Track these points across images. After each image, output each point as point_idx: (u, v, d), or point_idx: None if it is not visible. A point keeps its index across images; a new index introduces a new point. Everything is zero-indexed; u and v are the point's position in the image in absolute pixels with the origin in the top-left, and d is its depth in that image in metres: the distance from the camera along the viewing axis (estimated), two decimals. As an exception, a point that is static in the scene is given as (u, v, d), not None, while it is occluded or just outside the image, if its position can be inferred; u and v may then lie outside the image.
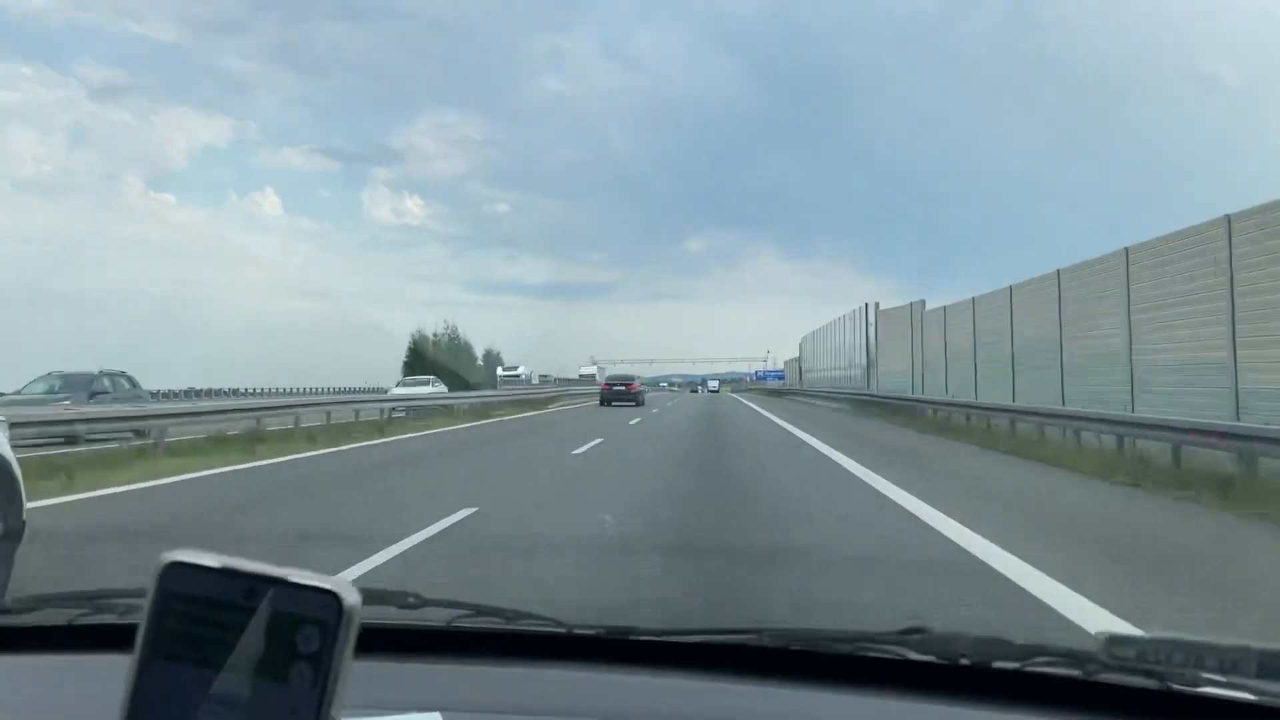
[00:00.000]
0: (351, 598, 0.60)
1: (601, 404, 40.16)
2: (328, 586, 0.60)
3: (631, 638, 1.40)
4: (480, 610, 1.43)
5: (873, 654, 1.31)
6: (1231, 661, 1.11)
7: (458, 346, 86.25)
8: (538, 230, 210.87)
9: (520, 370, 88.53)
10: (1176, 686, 1.15)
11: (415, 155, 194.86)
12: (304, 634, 0.59)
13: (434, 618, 1.42)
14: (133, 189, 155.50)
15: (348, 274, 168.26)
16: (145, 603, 0.61)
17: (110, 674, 1.17)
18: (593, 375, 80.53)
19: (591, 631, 1.41)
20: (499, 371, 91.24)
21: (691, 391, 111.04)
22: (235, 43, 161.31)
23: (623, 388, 42.52)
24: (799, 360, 75.52)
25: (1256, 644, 1.10)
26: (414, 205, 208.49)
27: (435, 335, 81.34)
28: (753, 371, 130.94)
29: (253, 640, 0.59)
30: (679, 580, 5.85)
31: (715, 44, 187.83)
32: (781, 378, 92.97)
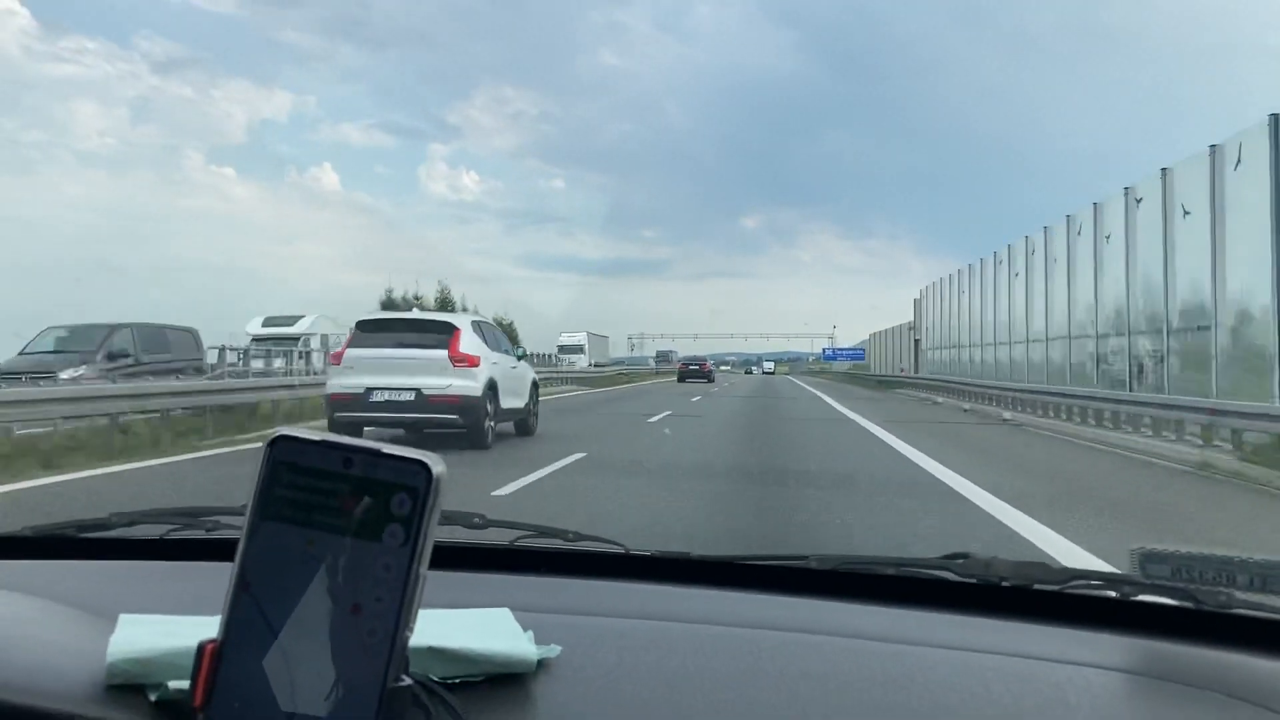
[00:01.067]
0: (438, 467, 0.66)
1: (680, 381, 48.59)
2: (417, 456, 0.66)
3: (687, 560, 1.46)
4: (542, 531, 1.51)
5: (916, 575, 1.37)
6: (1262, 578, 1.14)
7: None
8: (592, 206, 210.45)
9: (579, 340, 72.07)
10: (1209, 606, 1.18)
11: (472, 130, 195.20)
12: (397, 499, 0.65)
13: (498, 539, 1.49)
14: (193, 162, 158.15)
15: (403, 249, 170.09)
16: (256, 471, 0.67)
17: (200, 576, 1.26)
18: (580, 346, 63.60)
19: (649, 553, 1.47)
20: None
21: (746, 373, 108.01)
22: (294, 15, 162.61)
23: (697, 367, 54.17)
24: (914, 328, 49.20)
25: None
26: (470, 181, 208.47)
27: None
28: (818, 351, 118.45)
29: (350, 503, 0.65)
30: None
31: (773, 17, 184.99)
32: (860, 357, 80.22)
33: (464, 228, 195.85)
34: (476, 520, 1.50)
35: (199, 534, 1.50)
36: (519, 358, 14.05)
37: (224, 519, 1.49)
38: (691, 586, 1.39)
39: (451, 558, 1.38)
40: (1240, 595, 1.17)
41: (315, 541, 0.66)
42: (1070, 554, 5.49)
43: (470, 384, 11.46)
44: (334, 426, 11.29)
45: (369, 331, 12.13)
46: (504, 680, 0.96)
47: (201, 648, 0.68)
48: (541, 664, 1.01)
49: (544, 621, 1.11)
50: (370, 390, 11.38)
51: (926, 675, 1.06)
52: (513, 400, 12.62)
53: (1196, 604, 1.19)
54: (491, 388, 11.78)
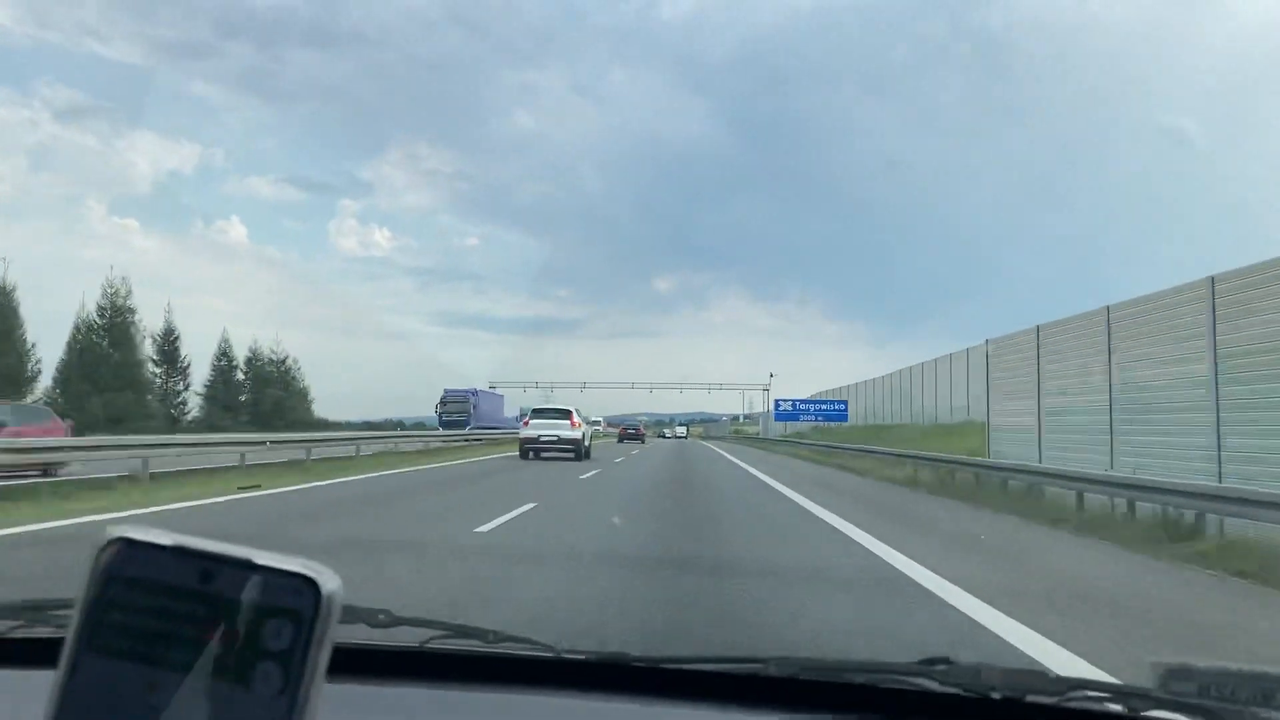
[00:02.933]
0: (331, 584, 0.50)
1: (619, 441, 55.41)
2: (302, 571, 0.49)
3: (626, 665, 1.29)
4: (459, 630, 1.32)
5: (890, 685, 1.21)
6: None
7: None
8: (507, 265, 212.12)
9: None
10: None
11: (384, 187, 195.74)
12: (272, 627, 0.49)
13: (406, 638, 1.31)
14: (95, 213, 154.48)
15: (313, 304, 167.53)
16: (81, 586, 0.51)
17: (44, 690, 1.13)
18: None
19: (582, 656, 1.30)
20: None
21: (660, 436, 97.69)
22: (203, 67, 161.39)
23: (634, 430, 63.41)
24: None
25: None
26: (382, 237, 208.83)
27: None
28: (742, 410, 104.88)
29: (209, 633, 0.49)
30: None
31: (686, 84, 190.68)
32: (840, 415, 52.35)
33: (375, 284, 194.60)
34: (381, 617, 1.31)
35: (47, 632, 1.28)
36: (592, 424, 35.99)
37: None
38: (631, 698, 1.24)
39: (349, 663, 1.17)
40: (1264, 714, 1.02)
41: (158, 685, 0.49)
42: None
43: (576, 435, 27.38)
44: (523, 454, 26.54)
45: (537, 413, 29.00)
46: None
47: None
48: None
49: None
50: (539, 436, 27.10)
51: None
52: (586, 442, 28.90)
53: None
54: (583, 437, 28.06)
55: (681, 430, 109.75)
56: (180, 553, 0.50)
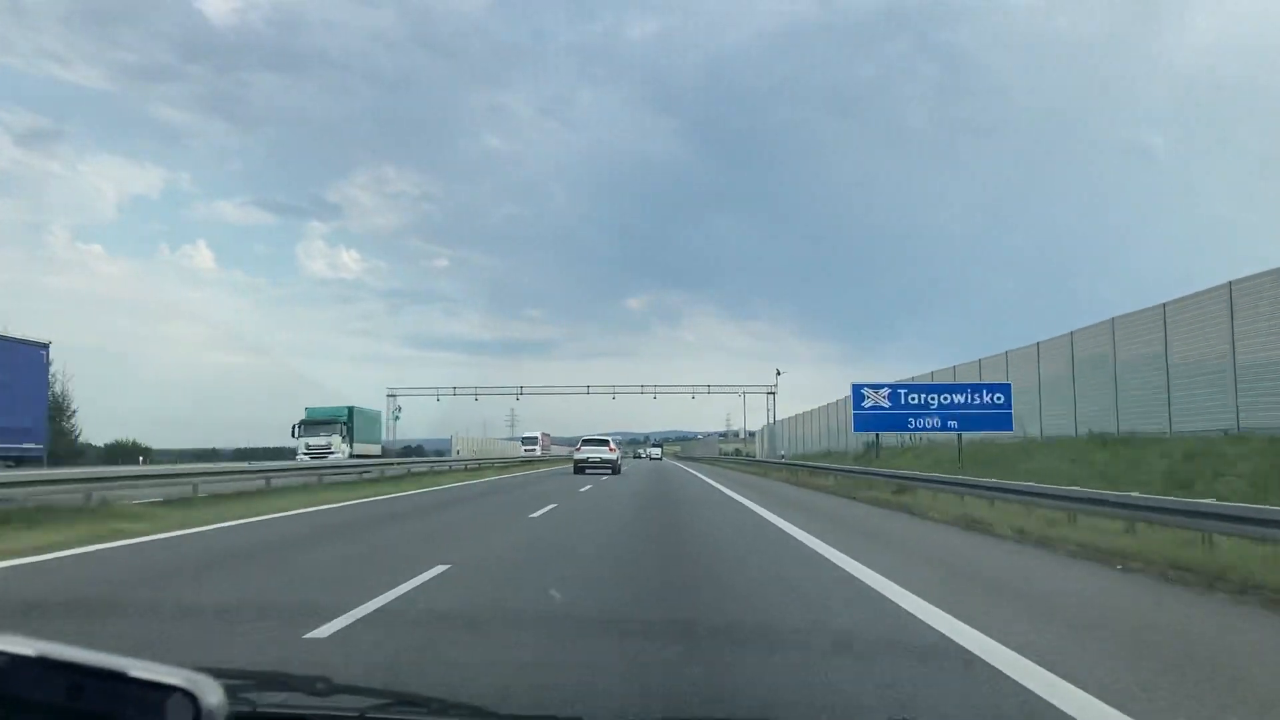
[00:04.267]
0: (212, 698, 0.45)
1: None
2: (178, 683, 0.45)
3: None
4: (401, 698, 1.30)
5: None
6: None
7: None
8: (478, 286, 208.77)
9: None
10: None
11: (352, 209, 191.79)
12: None
13: (347, 705, 1.27)
14: (59, 239, 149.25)
15: (283, 328, 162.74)
16: None
17: None
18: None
19: None
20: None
21: (635, 457, 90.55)
22: (166, 90, 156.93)
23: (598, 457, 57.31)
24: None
25: None
26: (351, 259, 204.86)
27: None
28: (766, 421, 76.72)
29: None
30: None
31: (654, 105, 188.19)
32: (1004, 421, 28.71)
33: (346, 307, 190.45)
34: (320, 685, 1.28)
35: None
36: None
37: None
38: None
39: None
40: None
41: None
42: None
43: (613, 457, 41.75)
44: (577, 470, 40.45)
45: (586, 443, 42.74)
46: None
47: None
48: None
49: None
50: (588, 457, 41.18)
51: None
52: (618, 463, 42.46)
53: None
54: (618, 458, 43.29)
55: (655, 451, 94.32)
56: (45, 664, 0.45)
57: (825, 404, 57.34)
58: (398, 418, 77.91)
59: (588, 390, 76.06)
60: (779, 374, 79.01)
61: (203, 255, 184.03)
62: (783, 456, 56.14)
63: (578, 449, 42.84)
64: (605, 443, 41.87)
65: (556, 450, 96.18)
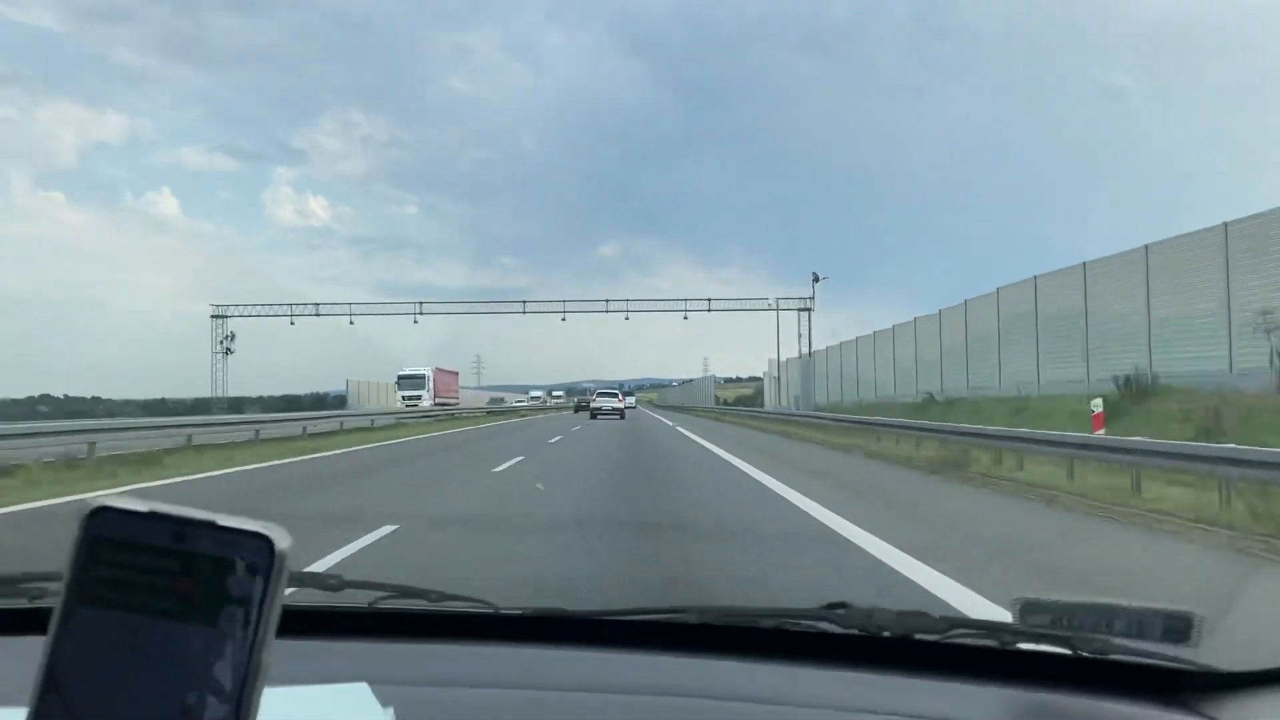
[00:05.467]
0: (283, 541, 0.59)
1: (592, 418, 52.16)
2: (258, 530, 0.59)
3: (560, 618, 1.43)
4: (404, 591, 1.44)
5: (796, 629, 1.36)
6: (1138, 625, 1.17)
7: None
8: (448, 233, 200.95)
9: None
10: (1087, 654, 1.21)
11: (318, 155, 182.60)
12: (235, 577, 0.58)
13: (356, 601, 1.42)
14: (19, 186, 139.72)
15: (250, 277, 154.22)
16: (69, 549, 0.59)
17: (21, 655, 1.03)
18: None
19: (519, 611, 1.44)
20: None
21: (578, 409, 69.77)
22: (123, 33, 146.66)
23: (610, 406, 59.77)
24: None
25: (1162, 606, 1.17)
26: (318, 206, 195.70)
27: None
28: (789, 353, 60.05)
29: (182, 583, 0.58)
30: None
31: (624, 45, 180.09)
32: None
33: (313, 254, 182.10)
34: (332, 581, 1.44)
35: (20, 604, 1.39)
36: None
37: (51, 585, 1.34)
38: (564, 647, 1.38)
39: (304, 623, 1.33)
40: (1117, 641, 1.19)
41: (140, 630, 0.58)
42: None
43: (623, 405, 56.90)
44: (592, 416, 51.32)
45: (600, 393, 60.13)
46: None
47: None
48: None
49: (407, 696, 1.06)
50: (601, 406, 54.93)
51: None
52: (628, 411, 58.21)
53: (1074, 651, 1.23)
54: (628, 406, 60.59)
55: (631, 399, 75.84)
56: (155, 517, 0.58)
57: (858, 335, 48.68)
58: (229, 350, 57.06)
59: (565, 309, 59.72)
60: (818, 280, 54.92)
61: (168, 203, 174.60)
62: (804, 413, 40.27)
63: (593, 399, 59.07)
64: (615, 395, 59.22)
65: (471, 396, 79.93)
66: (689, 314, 60.29)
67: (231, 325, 56.97)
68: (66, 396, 48.40)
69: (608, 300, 61.71)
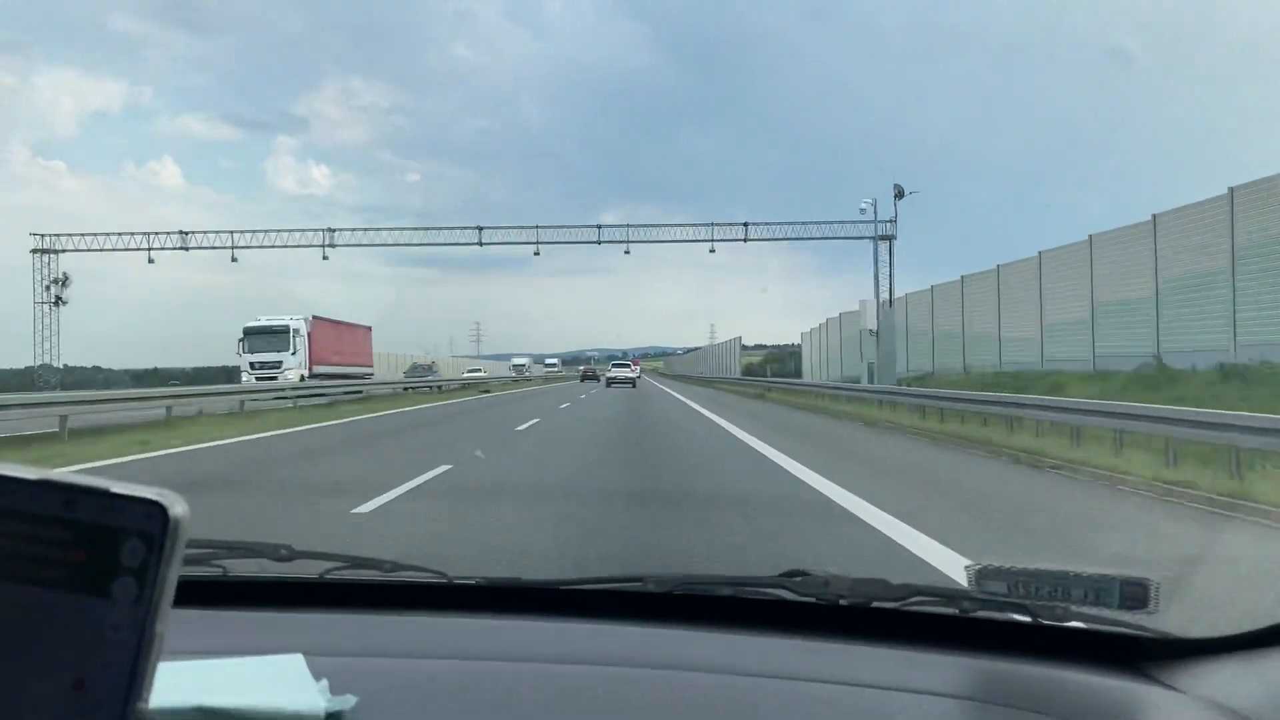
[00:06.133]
0: (178, 508, 0.58)
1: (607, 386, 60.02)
2: (151, 497, 0.58)
3: (515, 588, 1.48)
4: (356, 562, 1.49)
5: (753, 596, 1.42)
6: (1095, 592, 1.20)
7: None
8: (451, 201, 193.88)
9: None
10: (1046, 621, 1.27)
11: (320, 123, 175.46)
12: (128, 547, 0.57)
13: (307, 571, 1.46)
14: (19, 155, 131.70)
15: (253, 246, 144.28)
16: None
17: None
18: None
19: (473, 581, 1.48)
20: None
21: (585, 378, 77.34)
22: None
23: (623, 375, 66.77)
24: None
25: (1118, 573, 1.21)
26: (320, 175, 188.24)
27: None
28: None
29: (74, 553, 0.57)
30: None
31: (624, 11, 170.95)
32: None
33: (318, 222, 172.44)
34: (283, 552, 1.46)
35: None
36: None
37: None
38: (520, 617, 1.39)
39: (253, 594, 1.38)
40: (1076, 609, 1.24)
41: (30, 602, 0.57)
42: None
43: (635, 374, 70.36)
44: (607, 385, 61.03)
45: (615, 364, 74.51)
46: None
47: None
48: (333, 718, 0.94)
49: (346, 666, 1.06)
50: (615, 376, 64.62)
51: (772, 711, 1.08)
52: (638, 377, 72.92)
53: (1033, 618, 1.28)
54: (638, 376, 73.99)
55: (635, 369, 71.83)
56: (44, 485, 0.57)
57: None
58: (59, 299, 43.64)
59: (480, 236, 46.32)
60: (901, 196, 41.40)
61: (169, 171, 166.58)
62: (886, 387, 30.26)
63: (609, 369, 70.23)
64: (628, 365, 69.83)
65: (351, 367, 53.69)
66: (715, 246, 48.45)
67: (74, 268, 42.11)
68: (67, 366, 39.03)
69: (600, 227, 50.28)
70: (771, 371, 63.47)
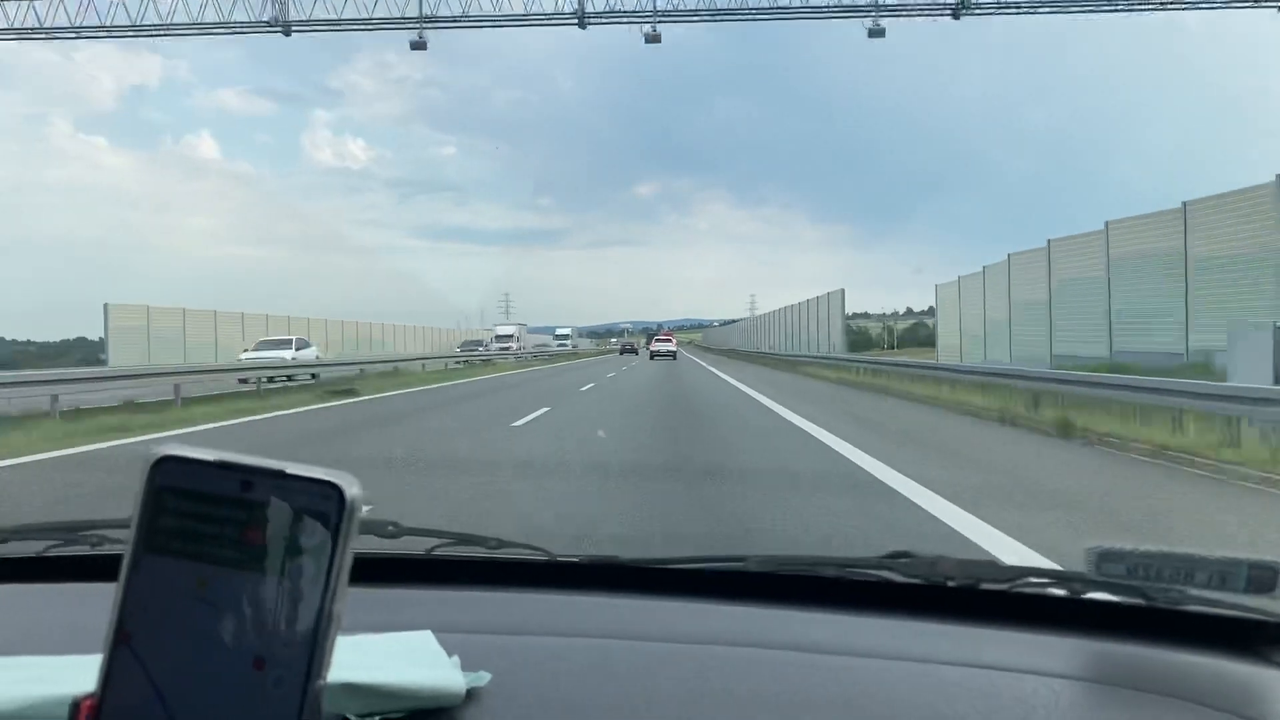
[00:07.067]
0: (353, 489, 0.59)
1: (652, 358, 64.21)
2: (328, 478, 0.59)
3: (616, 566, 1.52)
4: (461, 538, 1.52)
5: (858, 578, 1.43)
6: (1220, 576, 1.15)
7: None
8: (486, 175, 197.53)
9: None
10: (1162, 605, 1.24)
11: (355, 96, 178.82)
12: (305, 527, 0.59)
13: (414, 548, 1.50)
14: (60, 131, 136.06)
15: (290, 219, 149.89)
16: (137, 497, 0.61)
17: (82, 601, 1.18)
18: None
19: (576, 558, 1.52)
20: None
21: (624, 351, 77.96)
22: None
23: (665, 349, 70.20)
24: None
25: (1245, 556, 1.16)
26: (357, 148, 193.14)
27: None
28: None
29: (251, 534, 0.59)
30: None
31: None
32: None
33: (353, 197, 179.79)
34: (390, 529, 1.51)
35: (82, 550, 1.49)
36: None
37: (111, 533, 1.46)
38: (621, 595, 1.42)
39: (362, 570, 1.08)
40: (1194, 592, 1.19)
41: (209, 580, 0.59)
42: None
43: (674, 347, 70.67)
44: (651, 357, 64.89)
45: (657, 338, 74.93)
46: (430, 715, 0.90)
47: (77, 705, 0.60)
48: (470, 694, 0.95)
49: (469, 643, 1.08)
50: (658, 349, 66.74)
51: (884, 692, 1.08)
52: (676, 349, 75.23)
53: (1148, 601, 1.25)
54: (676, 347, 75.24)
55: (672, 342, 66.97)
56: (222, 466, 0.59)
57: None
58: None
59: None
60: None
61: (207, 145, 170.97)
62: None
63: (650, 344, 75.63)
64: (670, 340, 70.13)
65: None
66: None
67: None
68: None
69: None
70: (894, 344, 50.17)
